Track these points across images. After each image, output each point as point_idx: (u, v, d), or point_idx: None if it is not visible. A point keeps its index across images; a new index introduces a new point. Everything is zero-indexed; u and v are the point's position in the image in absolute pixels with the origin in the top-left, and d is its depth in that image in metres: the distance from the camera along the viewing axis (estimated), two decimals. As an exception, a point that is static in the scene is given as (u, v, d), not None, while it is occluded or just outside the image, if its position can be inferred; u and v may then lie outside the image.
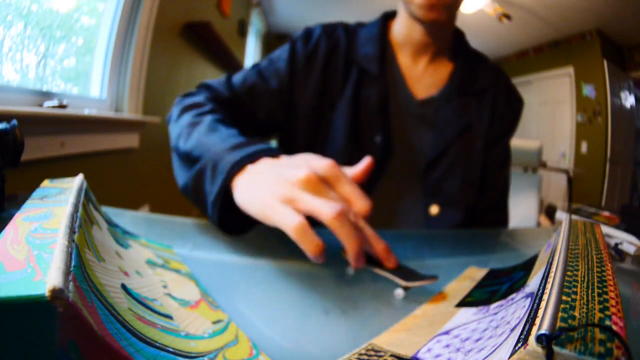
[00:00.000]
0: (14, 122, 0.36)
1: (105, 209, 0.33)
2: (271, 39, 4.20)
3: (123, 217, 0.44)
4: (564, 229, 0.29)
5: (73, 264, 0.15)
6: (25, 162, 0.41)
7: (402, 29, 0.62)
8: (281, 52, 0.63)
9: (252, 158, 0.35)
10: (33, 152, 0.80)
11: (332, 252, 0.43)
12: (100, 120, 1.11)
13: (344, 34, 0.63)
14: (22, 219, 0.19)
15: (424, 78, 0.62)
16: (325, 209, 0.28)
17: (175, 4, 1.60)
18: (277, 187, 0.30)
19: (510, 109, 0.65)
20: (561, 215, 0.73)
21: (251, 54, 3.57)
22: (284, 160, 0.35)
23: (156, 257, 0.31)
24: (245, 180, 0.34)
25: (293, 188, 0.30)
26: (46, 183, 0.27)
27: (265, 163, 0.34)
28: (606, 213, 0.66)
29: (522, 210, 1.54)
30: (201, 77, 2.16)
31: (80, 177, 0.28)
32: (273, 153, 0.36)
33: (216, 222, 0.37)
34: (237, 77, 0.61)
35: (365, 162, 0.36)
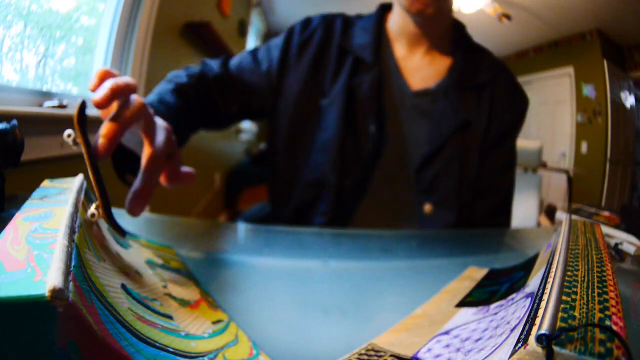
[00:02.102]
0: (14, 122, 0.36)
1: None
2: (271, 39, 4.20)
3: (123, 217, 0.44)
4: (564, 229, 0.29)
5: (73, 264, 0.15)
6: (25, 162, 0.41)
7: (397, 20, 0.62)
8: (278, 39, 0.65)
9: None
10: (33, 152, 0.80)
11: (333, 255, 0.43)
12: (100, 120, 1.11)
13: (341, 25, 0.64)
14: (22, 219, 0.19)
15: (420, 69, 0.62)
16: None
17: (175, 4, 1.60)
18: None
19: (512, 108, 0.62)
20: (561, 215, 0.73)
21: (251, 54, 3.56)
22: None
23: (156, 257, 0.31)
24: None
25: None
26: (46, 183, 0.27)
27: None
28: (606, 213, 0.66)
29: (522, 210, 1.55)
30: (201, 77, 2.16)
31: (80, 177, 0.28)
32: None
33: None
34: (234, 59, 0.65)
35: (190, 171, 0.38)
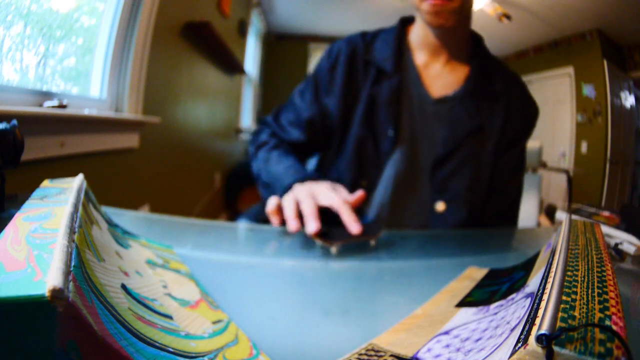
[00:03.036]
0: (14, 122, 0.36)
1: (106, 209, 0.33)
2: (271, 39, 4.20)
3: (123, 217, 0.44)
4: (564, 229, 0.29)
5: (73, 264, 0.15)
6: (25, 162, 0.41)
7: (418, 33, 0.67)
8: (306, 79, 0.72)
9: (297, 181, 0.56)
10: (33, 152, 0.80)
11: (332, 254, 0.43)
12: (100, 120, 1.11)
13: (362, 40, 0.69)
14: (22, 219, 0.19)
15: (440, 78, 0.66)
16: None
17: (175, 3, 1.60)
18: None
19: (524, 116, 0.67)
20: (561, 215, 0.73)
21: (251, 54, 3.57)
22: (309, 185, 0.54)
23: (156, 257, 0.31)
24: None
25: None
26: (46, 183, 0.27)
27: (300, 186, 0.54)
28: (606, 213, 0.66)
29: (522, 210, 1.54)
30: (201, 77, 2.16)
31: (80, 177, 0.28)
32: (304, 180, 0.55)
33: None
34: (284, 116, 0.71)
35: (359, 194, 0.52)
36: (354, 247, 0.45)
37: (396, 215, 0.64)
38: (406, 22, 0.70)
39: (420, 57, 0.67)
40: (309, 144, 0.69)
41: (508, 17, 2.95)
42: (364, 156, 0.65)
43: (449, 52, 0.66)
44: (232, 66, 2.69)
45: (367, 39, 0.69)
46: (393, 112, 0.64)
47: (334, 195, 0.48)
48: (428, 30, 0.64)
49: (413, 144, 0.64)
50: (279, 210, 0.50)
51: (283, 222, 0.48)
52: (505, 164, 0.66)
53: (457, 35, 0.65)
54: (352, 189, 0.63)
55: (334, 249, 0.42)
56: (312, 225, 0.43)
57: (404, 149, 0.64)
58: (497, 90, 0.65)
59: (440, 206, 0.62)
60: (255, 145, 0.69)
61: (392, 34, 0.68)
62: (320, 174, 0.59)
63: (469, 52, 0.67)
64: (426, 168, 0.64)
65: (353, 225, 0.44)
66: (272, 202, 0.50)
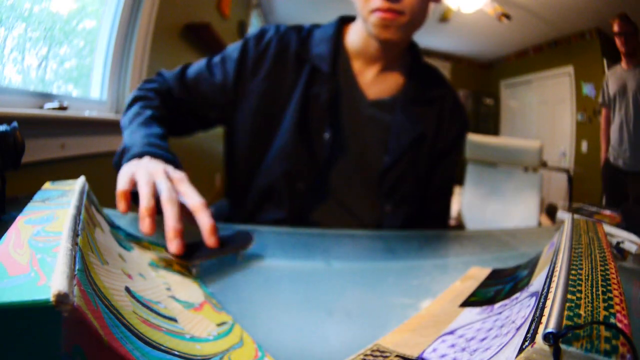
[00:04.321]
0: (15, 124, 0.36)
1: (107, 211, 0.33)
2: (270, 40, 4.20)
3: (125, 219, 0.44)
4: (566, 228, 0.29)
5: (77, 267, 0.15)
6: (25, 164, 0.41)
7: (358, 39, 0.64)
8: (233, 50, 0.64)
9: (142, 154, 0.46)
10: (34, 154, 0.80)
11: (336, 255, 0.43)
12: (100, 121, 1.11)
13: (296, 36, 0.65)
14: (24, 222, 0.19)
15: (376, 83, 0.65)
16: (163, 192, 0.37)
17: (175, 5, 1.60)
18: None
19: (454, 126, 0.67)
20: (562, 215, 0.73)
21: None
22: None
23: (159, 259, 0.31)
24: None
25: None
26: (47, 185, 0.27)
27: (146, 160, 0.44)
28: (607, 212, 0.66)
29: (523, 210, 1.55)
30: (201, 78, 2.16)
31: (82, 179, 0.28)
32: (156, 157, 0.46)
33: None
34: (191, 69, 0.65)
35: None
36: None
37: (343, 217, 0.64)
38: (345, 21, 0.67)
39: (356, 60, 0.64)
40: (214, 118, 0.65)
41: (508, 16, 2.95)
42: (299, 161, 0.61)
43: (386, 61, 0.64)
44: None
45: (302, 35, 0.65)
46: (330, 115, 0.61)
47: (196, 196, 0.39)
48: (369, 40, 0.61)
49: (354, 147, 0.63)
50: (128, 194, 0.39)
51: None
52: (438, 175, 0.66)
53: (398, 47, 0.63)
54: (288, 194, 0.61)
55: (194, 271, 0.33)
56: (174, 245, 0.33)
57: (345, 152, 0.62)
58: (432, 97, 0.65)
59: (388, 208, 0.63)
60: (134, 96, 0.60)
61: (329, 32, 0.65)
62: (176, 156, 0.48)
63: (405, 59, 0.66)
64: (370, 171, 0.63)
65: (211, 238, 0.35)
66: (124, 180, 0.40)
